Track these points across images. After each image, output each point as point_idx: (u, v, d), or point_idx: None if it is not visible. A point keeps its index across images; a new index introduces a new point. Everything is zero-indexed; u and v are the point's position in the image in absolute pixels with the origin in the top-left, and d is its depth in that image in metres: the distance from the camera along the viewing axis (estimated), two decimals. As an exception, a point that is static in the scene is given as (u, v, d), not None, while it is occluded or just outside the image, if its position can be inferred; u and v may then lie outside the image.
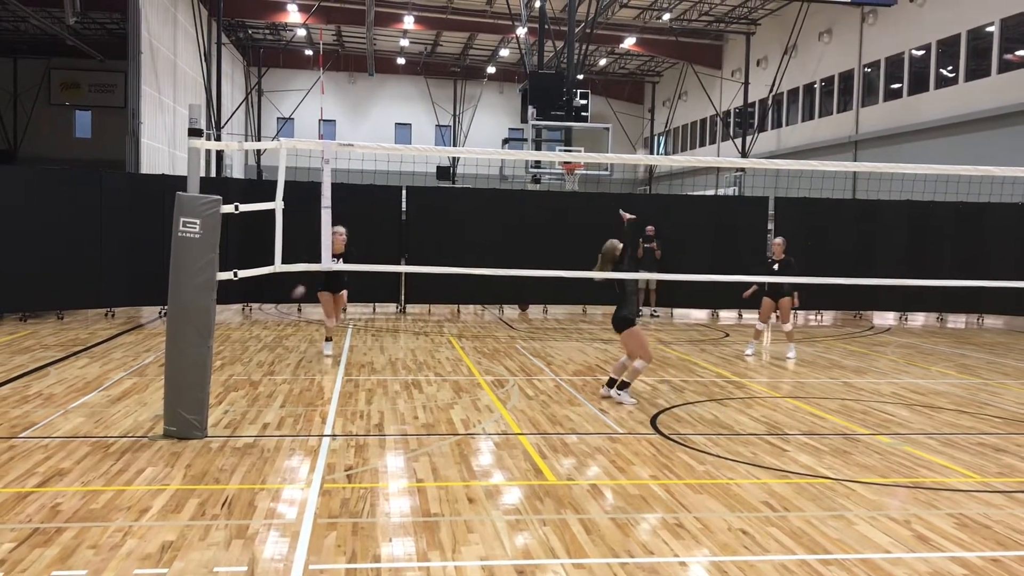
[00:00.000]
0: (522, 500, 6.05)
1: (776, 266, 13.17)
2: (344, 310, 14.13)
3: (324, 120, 47.16)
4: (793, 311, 13.91)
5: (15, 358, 11.51)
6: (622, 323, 9.50)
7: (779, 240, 13.44)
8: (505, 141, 45.57)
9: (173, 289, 7.44)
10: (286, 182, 7.88)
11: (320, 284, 12.25)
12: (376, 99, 52.28)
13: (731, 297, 19.68)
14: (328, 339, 12.54)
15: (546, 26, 30.80)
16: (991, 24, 26.13)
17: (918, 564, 5.03)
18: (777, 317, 13.47)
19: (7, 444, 7.15)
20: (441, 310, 19.57)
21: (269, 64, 46.51)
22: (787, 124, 38.60)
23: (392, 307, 19.28)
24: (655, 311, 19.56)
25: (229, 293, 16.28)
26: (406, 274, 18.40)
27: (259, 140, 45.34)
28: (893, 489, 6.55)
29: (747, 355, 13.44)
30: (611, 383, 9.65)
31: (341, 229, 11.85)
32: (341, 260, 11.82)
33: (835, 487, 6.52)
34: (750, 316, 19.93)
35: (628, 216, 9.51)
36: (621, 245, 9.35)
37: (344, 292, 12.48)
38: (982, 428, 8.76)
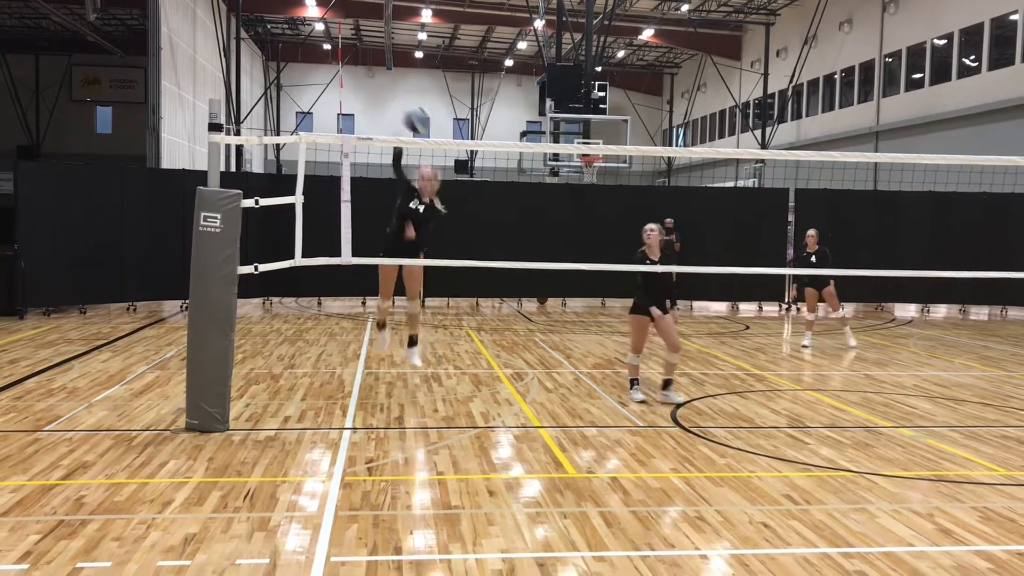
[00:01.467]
0: (542, 493, 6.05)
1: (813, 258, 13.23)
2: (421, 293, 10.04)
3: (343, 114, 47.22)
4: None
5: (39, 352, 11.62)
6: (634, 306, 9.28)
7: (812, 232, 13.46)
8: (523, 134, 45.50)
9: (194, 284, 7.49)
10: (306, 176, 7.89)
11: (388, 242, 8.68)
12: (394, 93, 52.30)
13: (751, 289, 19.68)
14: (381, 325, 9.43)
15: (564, 18, 30.68)
16: (1015, 12, 25.78)
17: (942, 558, 4.99)
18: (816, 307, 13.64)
19: (32, 437, 7.23)
20: (460, 303, 19.58)
21: (288, 59, 46.61)
22: (807, 115, 38.30)
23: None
24: (675, 304, 19.44)
25: (250, 287, 16.39)
26: (425, 268, 18.38)
27: (278, 135, 45.48)
28: (916, 482, 6.50)
29: (804, 346, 13.56)
30: (667, 384, 9.29)
31: (429, 168, 8.98)
32: (423, 209, 8.80)
33: (857, 480, 6.48)
34: (770, 308, 19.83)
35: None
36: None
37: (417, 265, 8.96)
38: (1006, 421, 8.68)
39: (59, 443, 7.05)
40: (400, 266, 8.89)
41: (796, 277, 13.35)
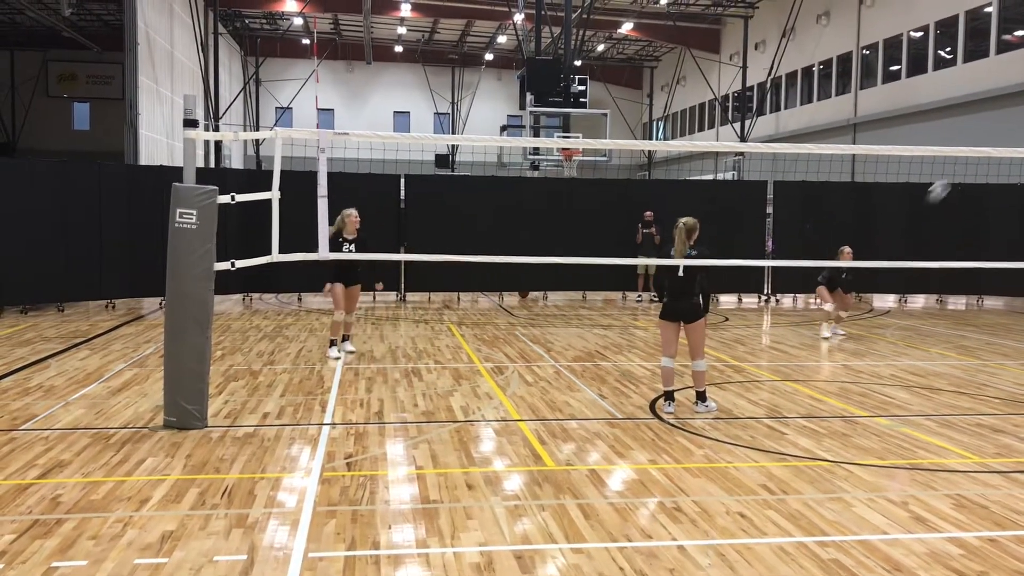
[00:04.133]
0: (521, 486, 6.07)
1: (845, 275, 13.58)
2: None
3: (322, 109, 47.05)
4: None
5: (16, 350, 11.53)
6: (696, 311, 8.33)
7: (848, 250, 13.37)
8: (503, 128, 45.51)
9: (171, 280, 7.46)
10: (283, 172, 7.87)
11: (331, 275, 11.21)
12: (374, 87, 52.16)
13: (731, 282, 19.78)
14: (333, 342, 11.35)
15: (543, 12, 30.68)
16: (989, 5, 26.01)
17: (916, 545, 5.05)
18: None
19: (8, 436, 7.18)
20: (441, 298, 19.58)
21: (266, 54, 46.37)
22: (786, 108, 38.50)
23: (392, 295, 19.29)
24: (655, 296, 19.54)
25: (229, 283, 16.32)
26: (405, 262, 18.41)
27: (257, 130, 45.23)
28: (891, 471, 6.57)
29: (824, 337, 13.69)
30: (670, 396, 8.48)
31: (354, 212, 11.05)
32: (353, 246, 11.04)
33: (834, 470, 6.54)
34: (749, 300, 19.94)
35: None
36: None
37: (356, 287, 11.45)
38: (980, 409, 8.78)
39: (35, 442, 7.00)
40: (345, 288, 11.36)
41: (827, 280, 13.64)
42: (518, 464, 6.61)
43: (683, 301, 8.36)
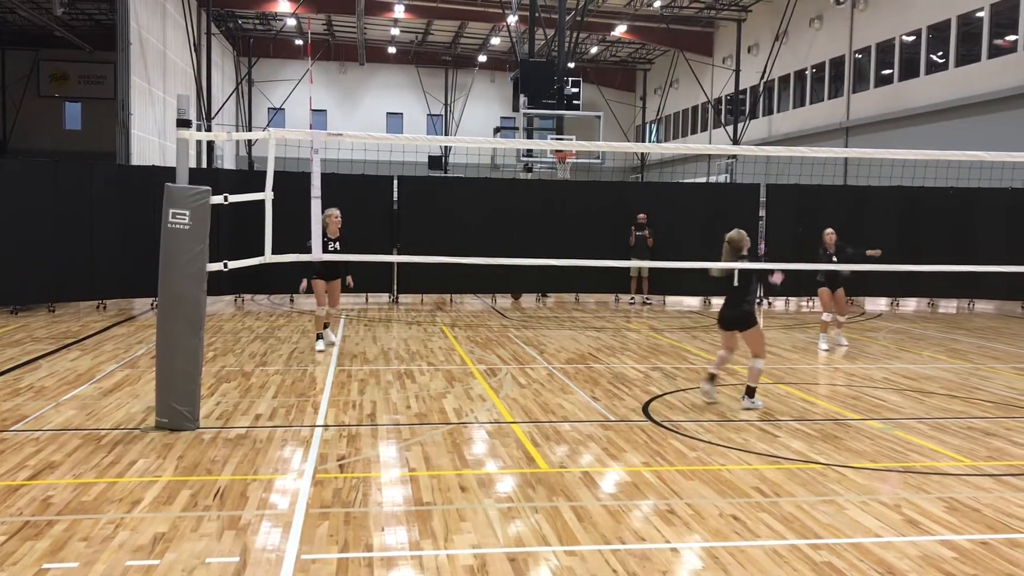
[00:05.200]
0: (514, 488, 6.07)
1: (835, 258, 12.89)
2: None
3: (315, 110, 46.98)
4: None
5: (6, 351, 11.47)
6: (747, 319, 8.67)
7: (830, 231, 13.09)
8: (497, 130, 45.52)
9: (163, 281, 7.43)
10: (276, 172, 7.85)
11: (314, 271, 11.81)
12: (367, 89, 52.09)
13: (723, 284, 19.76)
14: (319, 335, 11.98)
15: (537, 14, 30.69)
16: (981, 9, 26.11)
17: (908, 548, 5.06)
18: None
19: (-2, 437, 7.14)
20: (434, 299, 19.55)
21: (259, 54, 46.28)
22: (778, 111, 38.58)
23: (384, 297, 19.26)
24: (648, 299, 19.58)
25: (221, 284, 16.27)
26: (398, 264, 18.39)
27: (250, 131, 45.15)
28: (884, 474, 6.58)
29: (822, 349, 13.00)
30: (712, 378, 9.00)
31: (336, 211, 11.53)
32: (337, 244, 11.56)
33: (826, 472, 6.55)
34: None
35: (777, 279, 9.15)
36: (746, 236, 8.78)
37: (338, 281, 12.01)
38: (972, 412, 8.81)
39: (26, 443, 6.97)
40: (328, 285, 11.95)
41: (814, 277, 13.23)
42: (511, 466, 6.61)
43: (734, 310, 8.75)
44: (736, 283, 8.69)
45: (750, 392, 8.77)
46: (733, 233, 8.79)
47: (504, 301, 19.66)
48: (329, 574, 4.57)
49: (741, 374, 10.78)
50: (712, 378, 9.00)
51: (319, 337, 12.04)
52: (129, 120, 25.17)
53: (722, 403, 9.01)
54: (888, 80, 30.70)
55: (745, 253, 8.72)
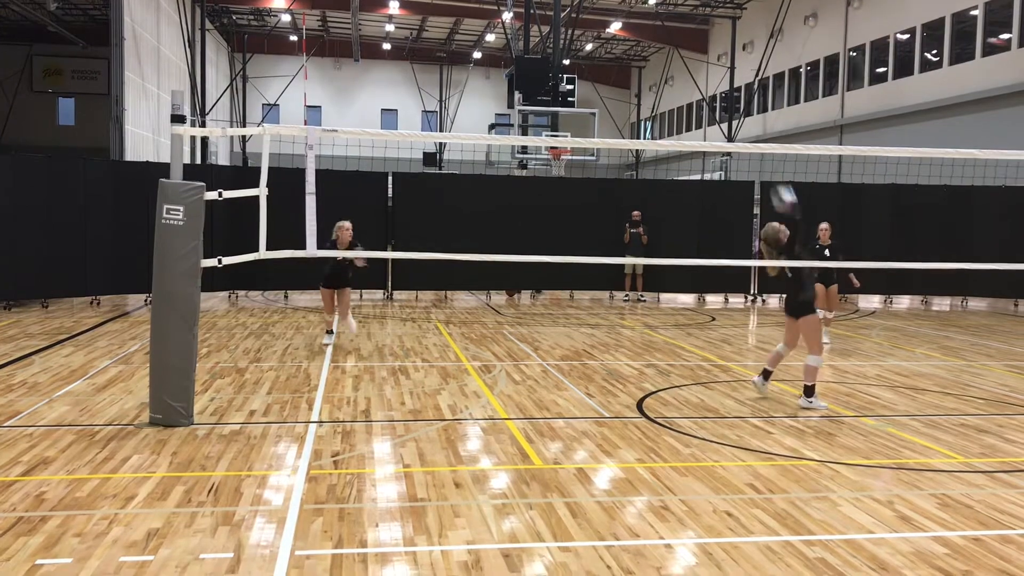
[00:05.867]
0: (509, 484, 6.07)
1: (827, 252, 12.82)
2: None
3: (309, 106, 46.89)
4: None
5: (-1, 347, 11.45)
6: (803, 308, 8.69)
7: (825, 225, 13.03)
8: (492, 127, 45.43)
9: (157, 277, 7.41)
10: (271, 169, 7.83)
11: (321, 279, 11.88)
12: (362, 85, 52.03)
13: (717, 281, 19.84)
14: (329, 331, 12.19)
15: (532, 11, 30.68)
16: (975, 8, 26.17)
17: (901, 544, 5.08)
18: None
19: (-9, 433, 7.12)
20: (428, 296, 19.55)
21: (254, 50, 46.17)
22: (773, 108, 38.63)
23: (379, 293, 19.25)
24: (642, 296, 19.60)
25: (215, 280, 16.25)
26: (392, 260, 18.39)
27: (244, 127, 45.05)
28: (877, 471, 6.60)
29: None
30: (766, 375, 9.15)
31: (347, 224, 11.45)
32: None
33: (820, 469, 6.57)
34: (736, 300, 19.99)
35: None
36: (783, 227, 8.70)
37: (346, 289, 11.92)
38: (965, 409, 8.84)
39: (19, 439, 6.95)
40: (335, 292, 11.95)
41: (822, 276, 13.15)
42: (505, 462, 6.61)
43: (794, 299, 8.84)
44: (790, 274, 8.78)
45: (808, 392, 8.70)
46: (767, 230, 8.84)
47: (499, 298, 19.65)
48: (323, 570, 4.57)
49: (734, 371, 10.80)
50: (766, 375, 9.13)
51: (329, 332, 12.24)
52: (123, 116, 25.12)
53: (715, 400, 9.03)
54: (883, 78, 30.75)
55: (784, 243, 8.69)
